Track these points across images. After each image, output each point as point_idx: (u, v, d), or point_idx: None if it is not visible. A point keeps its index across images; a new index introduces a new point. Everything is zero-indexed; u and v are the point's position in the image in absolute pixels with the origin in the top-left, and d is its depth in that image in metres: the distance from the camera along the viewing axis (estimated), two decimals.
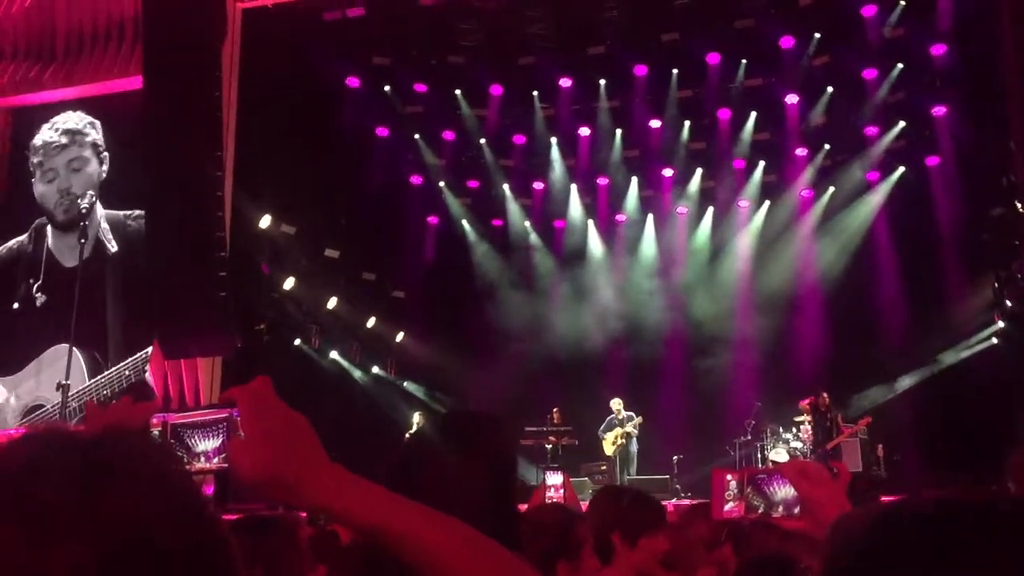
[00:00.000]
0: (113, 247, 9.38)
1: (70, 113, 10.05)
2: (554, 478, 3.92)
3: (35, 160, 9.83)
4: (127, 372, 9.02)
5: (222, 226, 11.67)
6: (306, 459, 1.12)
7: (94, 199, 9.21)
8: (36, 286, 9.01)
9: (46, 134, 9.95)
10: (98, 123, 9.98)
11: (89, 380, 8.86)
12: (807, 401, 12.79)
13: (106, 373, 9.18)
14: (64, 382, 7.96)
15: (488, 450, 1.83)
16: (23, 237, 9.41)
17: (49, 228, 9.42)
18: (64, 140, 9.98)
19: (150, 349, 9.43)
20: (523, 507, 4.82)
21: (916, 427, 13.17)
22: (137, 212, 9.54)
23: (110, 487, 0.86)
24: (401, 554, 1.08)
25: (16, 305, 8.91)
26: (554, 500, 3.95)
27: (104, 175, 9.73)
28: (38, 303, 8.96)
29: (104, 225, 9.40)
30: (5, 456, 0.89)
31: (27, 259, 9.09)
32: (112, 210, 9.38)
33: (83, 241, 8.23)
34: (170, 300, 11.53)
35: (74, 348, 8.19)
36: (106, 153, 10.02)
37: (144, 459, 0.92)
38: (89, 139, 9.97)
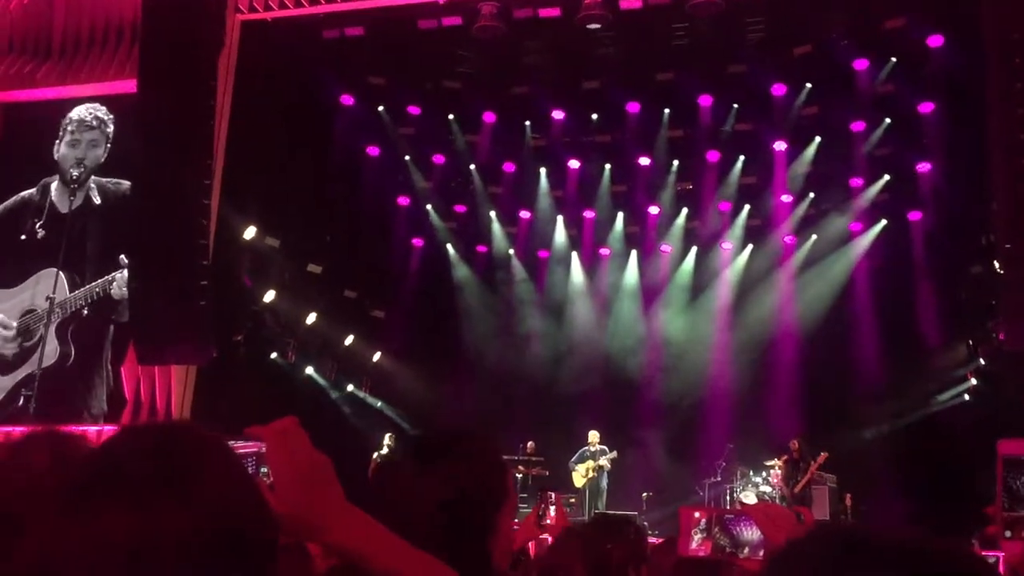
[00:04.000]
0: (98, 200, 12.29)
1: (99, 105, 12.75)
2: (547, 501, 3.93)
3: (68, 127, 12.65)
4: (97, 289, 11.89)
5: (206, 234, 11.64)
6: (328, 500, 1.18)
7: (93, 171, 12.46)
8: (38, 224, 12.24)
9: (84, 111, 12.70)
10: (112, 117, 12.72)
11: (69, 294, 11.87)
12: (783, 459, 12.88)
13: (81, 289, 11.95)
14: (51, 295, 11.35)
15: (474, 467, 1.79)
16: (33, 189, 12.55)
17: (54, 184, 12.46)
18: (93, 122, 12.70)
19: (115, 273, 11.84)
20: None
21: (885, 478, 13.24)
22: (119, 180, 12.26)
23: (201, 475, 0.95)
24: None
25: (23, 237, 12.27)
26: (545, 525, 3.91)
27: (103, 159, 12.54)
28: (38, 236, 12.20)
29: (93, 186, 12.35)
30: (108, 444, 0.99)
31: (34, 205, 12.38)
32: (100, 177, 12.38)
33: (75, 190, 11.75)
34: (149, 306, 11.46)
35: (60, 271, 11.59)
36: (111, 143, 12.60)
37: (226, 453, 1.01)
38: (108, 129, 12.66)
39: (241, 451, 1.15)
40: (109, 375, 11.90)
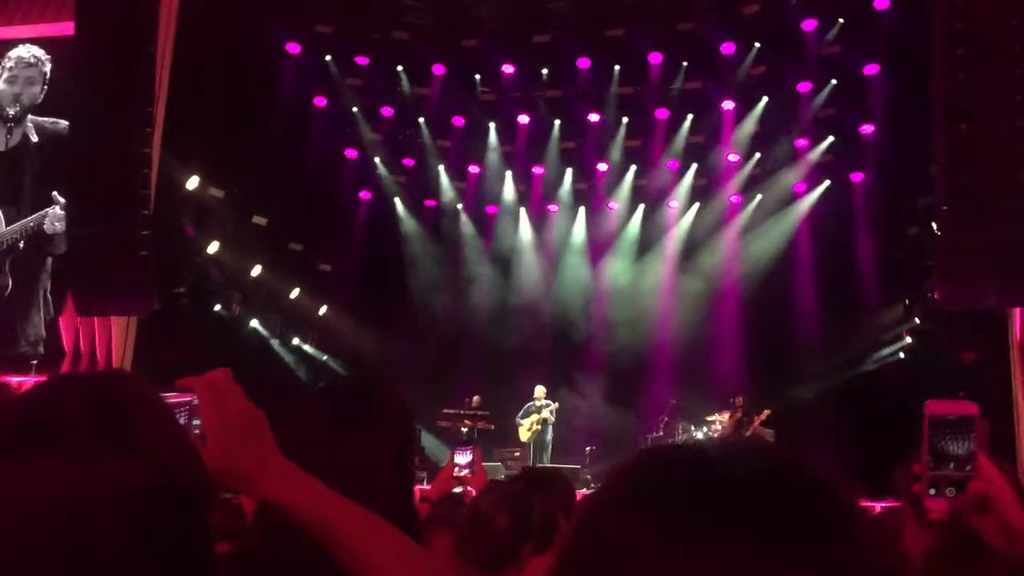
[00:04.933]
0: (35, 139, 12.46)
1: (37, 47, 12.81)
2: (462, 456, 3.92)
3: (7, 65, 12.72)
4: (31, 224, 12.17)
5: (147, 184, 11.37)
6: (260, 452, 1.18)
7: (29, 109, 12.65)
8: None
9: (23, 50, 12.77)
10: (49, 59, 12.76)
11: (4, 229, 12.18)
12: (730, 415, 13.16)
13: (16, 224, 12.22)
14: None
15: (390, 420, 1.81)
16: None
17: None
18: (32, 60, 12.77)
19: (48, 209, 12.03)
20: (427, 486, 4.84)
21: (821, 434, 13.59)
22: (57, 120, 12.35)
23: (139, 425, 0.96)
24: (338, 551, 1.15)
25: None
26: (461, 478, 3.91)
27: (40, 98, 12.68)
28: None
29: (30, 124, 12.53)
30: (39, 392, 0.99)
31: None
32: (38, 116, 12.56)
33: (11, 128, 12.15)
34: (88, 256, 11.21)
35: None
36: (47, 85, 12.70)
37: (160, 403, 1.03)
38: (45, 69, 12.74)
39: (173, 402, 1.15)
40: (50, 304, 12.10)
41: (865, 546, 0.63)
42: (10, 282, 12.26)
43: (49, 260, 12.21)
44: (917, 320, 13.58)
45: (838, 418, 13.58)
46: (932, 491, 1.49)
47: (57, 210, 11.95)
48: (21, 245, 12.29)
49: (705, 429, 13.56)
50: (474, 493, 3.60)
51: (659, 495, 0.65)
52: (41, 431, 0.93)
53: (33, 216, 12.16)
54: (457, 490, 3.91)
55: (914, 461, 1.56)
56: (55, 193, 12.02)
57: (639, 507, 0.65)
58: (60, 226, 11.89)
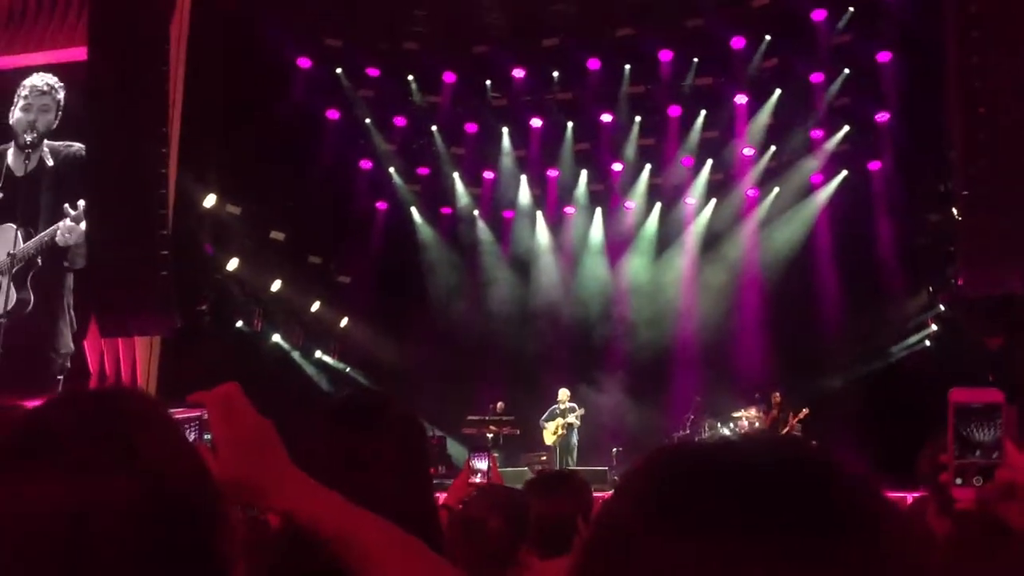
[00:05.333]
0: (50, 162, 12.80)
1: (50, 74, 13.14)
2: (479, 462, 3.91)
3: (22, 93, 13.08)
4: (45, 238, 12.50)
5: (165, 203, 11.46)
6: (272, 465, 1.17)
7: (45, 135, 13.00)
8: None
9: (36, 79, 13.12)
10: (63, 86, 13.08)
11: (21, 246, 12.57)
12: (758, 407, 13.09)
13: (34, 239, 12.59)
14: (11, 252, 12.28)
15: (395, 430, 1.81)
16: None
17: (10, 150, 12.96)
18: (45, 88, 13.09)
19: (60, 222, 12.38)
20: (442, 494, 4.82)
21: (848, 423, 13.49)
22: (70, 143, 12.72)
23: (142, 440, 0.95)
24: (354, 561, 1.14)
25: None
26: (477, 484, 3.89)
27: (55, 124, 12.99)
28: None
29: (46, 149, 12.86)
30: (44, 409, 0.99)
31: None
32: (53, 141, 12.89)
33: (29, 154, 12.64)
34: (110, 277, 11.32)
35: (16, 227, 12.47)
36: (62, 111, 13.03)
37: (166, 419, 1.02)
38: (59, 96, 13.04)
39: (183, 418, 1.15)
40: (72, 319, 12.34)
41: (881, 541, 0.61)
42: (32, 297, 12.52)
43: (70, 276, 12.45)
44: (941, 307, 13.44)
45: (865, 408, 13.46)
46: (959, 480, 1.46)
47: (68, 221, 12.28)
48: (39, 261, 12.58)
49: (732, 425, 13.48)
50: None
51: (672, 494, 0.64)
52: (42, 446, 0.93)
53: (47, 231, 12.50)
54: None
55: (936, 448, 1.53)
56: (66, 205, 12.32)
57: (652, 506, 0.64)
58: (72, 237, 12.22)
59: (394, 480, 1.71)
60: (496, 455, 13.45)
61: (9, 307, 12.35)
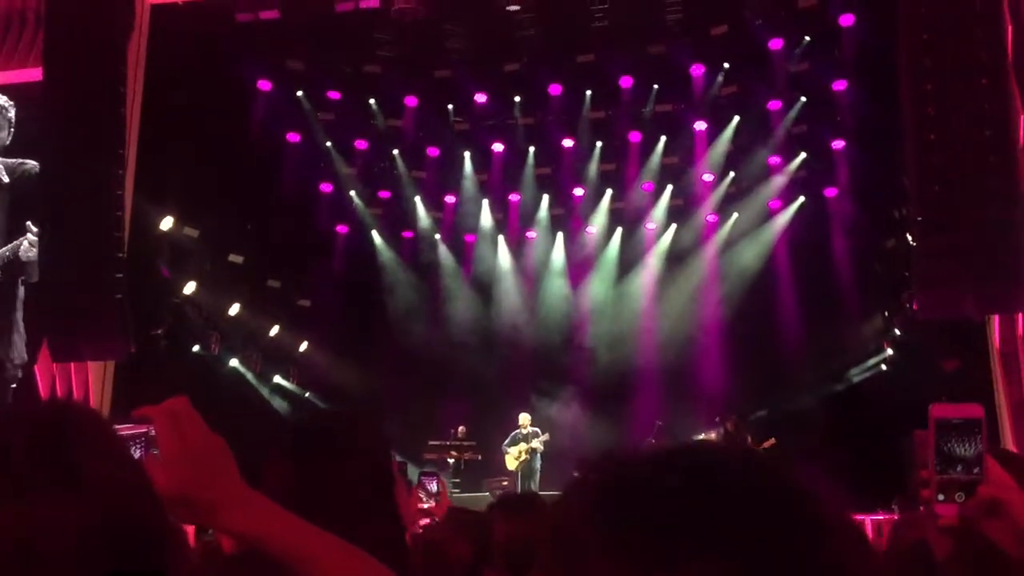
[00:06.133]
0: (5, 179, 12.80)
1: (1, 95, 13.08)
2: (429, 485, 3.87)
3: None
4: (7, 253, 12.46)
5: (120, 226, 11.28)
6: (222, 481, 1.13)
7: None
8: None
9: None
10: (14, 104, 13.03)
11: None
12: (717, 432, 13.10)
13: None
14: None
15: (355, 450, 1.78)
16: None
17: None
18: None
19: (22, 238, 12.37)
20: None
21: (808, 449, 13.58)
22: (24, 160, 12.74)
23: (85, 460, 0.91)
24: None
25: None
26: (425, 509, 3.84)
27: (8, 141, 12.91)
28: None
29: (0, 167, 12.81)
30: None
31: None
32: (6, 158, 12.85)
33: None
34: (63, 300, 11.08)
35: None
36: (13, 128, 12.93)
37: (109, 435, 0.98)
38: (10, 114, 12.93)
39: (129, 434, 1.10)
40: (22, 329, 12.30)
41: (822, 550, 0.61)
42: None
43: (22, 289, 12.37)
44: (897, 331, 13.63)
45: (823, 431, 13.57)
46: (941, 496, 1.45)
47: (31, 236, 12.31)
48: None
49: None
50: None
51: (600, 512, 0.64)
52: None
53: (9, 246, 12.46)
54: (423, 521, 3.81)
55: (921, 467, 1.51)
56: (28, 223, 12.30)
57: (588, 523, 0.63)
58: (35, 252, 12.22)
59: (358, 505, 1.67)
60: (447, 480, 13.39)
61: None
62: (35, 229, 12.24)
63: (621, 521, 0.61)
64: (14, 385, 12.05)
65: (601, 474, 0.67)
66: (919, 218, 9.58)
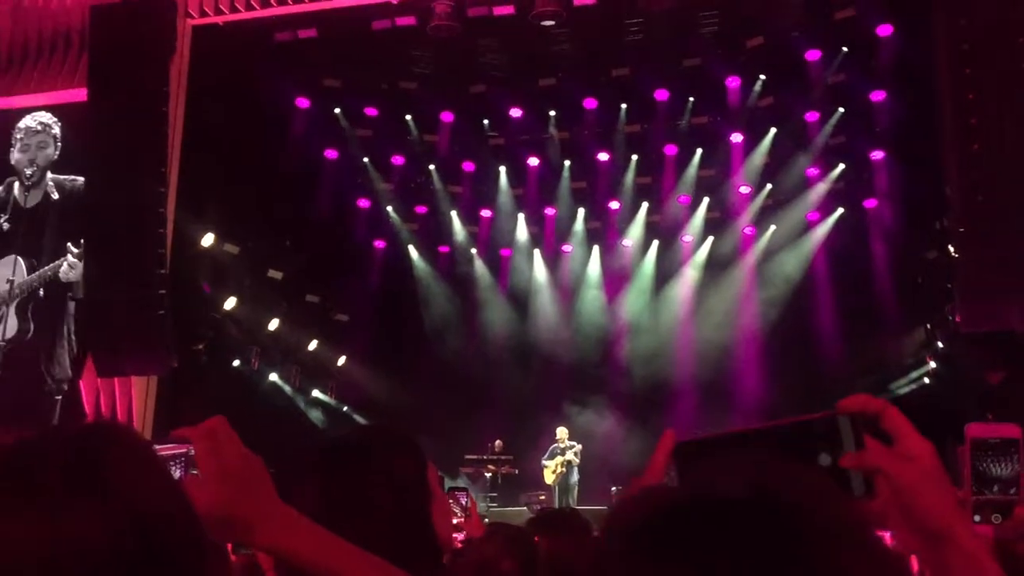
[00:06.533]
0: (55, 196, 13.19)
1: (44, 112, 13.56)
2: (462, 499, 3.90)
3: (18, 136, 13.54)
4: (48, 272, 12.80)
5: (163, 243, 11.49)
6: (260, 500, 1.14)
7: (47, 169, 13.40)
8: (3, 219, 13.30)
9: (29, 120, 13.56)
10: (58, 121, 13.50)
11: (26, 278, 12.93)
12: None
13: (37, 272, 12.89)
14: (10, 278, 12.69)
15: (387, 466, 1.76)
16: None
17: (16, 184, 13.40)
18: (38, 127, 13.47)
19: (62, 259, 12.67)
20: None
21: None
22: (75, 177, 13.08)
23: (117, 478, 0.93)
24: None
25: None
26: (456, 524, 3.83)
27: (56, 156, 13.38)
28: (4, 229, 13.23)
29: (51, 183, 13.26)
30: (18, 447, 0.96)
31: (0, 201, 13.46)
32: (57, 175, 13.29)
33: (30, 188, 13.16)
34: (107, 317, 11.30)
35: (20, 257, 12.89)
36: (60, 144, 13.40)
37: (145, 454, 0.99)
38: (54, 131, 13.44)
39: (169, 454, 1.12)
40: (72, 344, 12.56)
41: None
42: (32, 327, 12.80)
43: (71, 304, 12.70)
44: (940, 344, 13.41)
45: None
46: (977, 517, 1.43)
47: (71, 258, 12.62)
48: (41, 293, 12.87)
49: None
50: (463, 540, 3.53)
51: (660, 538, 0.63)
52: (18, 485, 0.90)
53: (50, 266, 12.79)
54: (458, 536, 3.81)
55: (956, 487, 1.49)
56: (69, 244, 12.63)
57: (644, 551, 0.64)
58: (74, 274, 12.53)
59: (390, 524, 1.66)
60: (483, 495, 13.37)
61: (9, 335, 12.67)
62: (75, 250, 12.53)
63: (664, 558, 0.62)
64: (59, 397, 12.31)
65: (644, 508, 0.67)
66: (961, 229, 9.46)
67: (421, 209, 17.37)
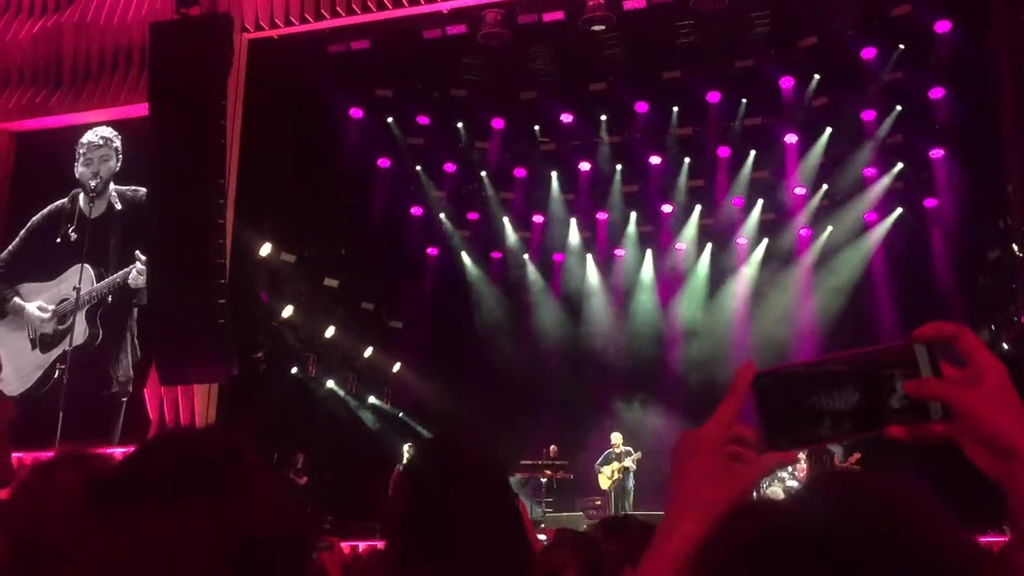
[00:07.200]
0: (119, 206, 13.77)
1: (104, 127, 14.16)
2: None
3: (80, 151, 14.12)
4: (118, 280, 13.40)
5: (223, 253, 11.73)
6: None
7: (110, 180, 14.00)
8: (71, 228, 13.89)
9: (91, 135, 14.14)
10: (118, 135, 14.11)
11: (95, 285, 13.45)
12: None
13: (105, 280, 13.47)
14: (77, 286, 12.92)
15: (483, 479, 1.75)
16: (65, 199, 14.13)
17: (81, 195, 13.97)
18: (100, 142, 14.07)
19: (132, 266, 13.23)
20: None
21: (909, 470, 13.14)
22: (137, 188, 13.65)
23: (232, 481, 1.01)
24: None
25: (58, 240, 13.93)
26: None
27: (118, 167, 13.99)
28: (71, 239, 13.79)
29: (114, 193, 13.83)
30: (143, 451, 1.06)
31: (67, 212, 14.07)
32: (120, 185, 13.86)
33: (95, 199, 13.78)
34: (168, 326, 11.57)
35: (87, 265, 13.25)
36: (121, 156, 14.02)
37: (255, 460, 1.07)
38: (115, 144, 14.05)
39: None
40: (135, 348, 13.11)
41: None
42: (101, 332, 13.32)
43: (135, 310, 13.18)
44: (1005, 345, 13.09)
45: (924, 452, 13.08)
46: None
47: (139, 265, 13.13)
48: (110, 299, 13.39)
49: (790, 469, 13.18)
50: None
51: (749, 562, 0.64)
52: (137, 488, 0.98)
53: (119, 273, 13.34)
54: None
55: None
56: (137, 252, 13.13)
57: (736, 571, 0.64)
58: (143, 280, 13.01)
59: (484, 526, 1.65)
60: (531, 500, 13.34)
61: (79, 341, 13.18)
62: (143, 257, 12.95)
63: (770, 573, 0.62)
64: (124, 399, 12.80)
65: (750, 522, 0.67)
66: None
67: (473, 216, 17.46)
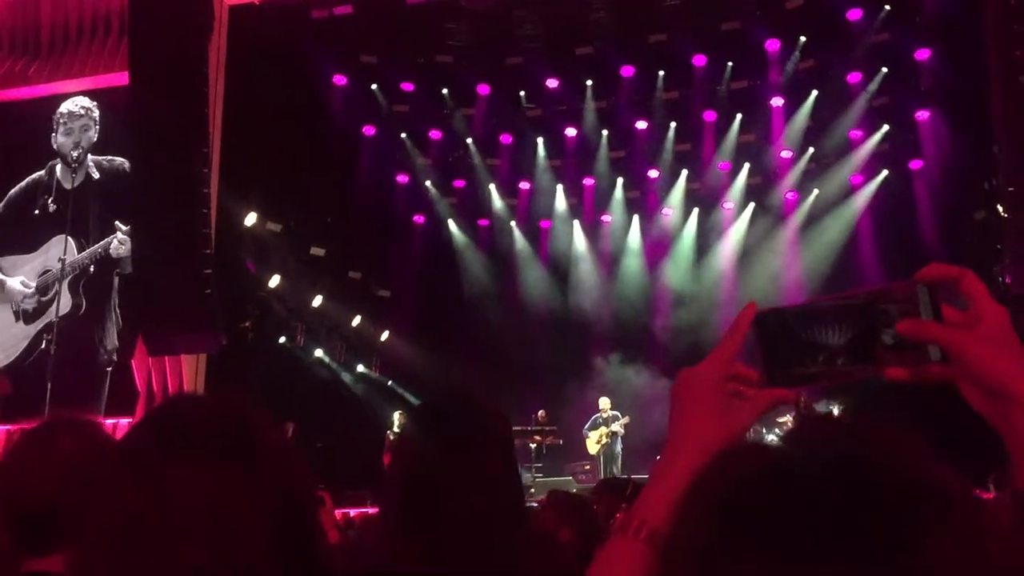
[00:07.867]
0: (96, 175, 13.70)
1: (83, 96, 14.00)
2: None
3: (60, 120, 14.00)
4: (99, 250, 13.31)
5: (208, 223, 11.64)
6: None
7: (89, 150, 13.89)
8: (49, 200, 13.81)
9: (70, 104, 14.04)
10: (96, 104, 13.99)
11: (77, 255, 13.36)
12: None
13: (87, 250, 13.37)
14: (62, 257, 12.59)
15: (495, 428, 1.72)
16: (42, 171, 14.03)
17: (58, 166, 13.88)
18: (80, 111, 13.94)
19: (112, 236, 13.11)
20: None
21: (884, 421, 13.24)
22: (113, 157, 13.63)
23: (260, 441, 1.07)
24: None
25: (36, 211, 13.84)
26: None
27: (96, 138, 13.88)
28: (50, 210, 13.73)
29: (91, 163, 13.74)
30: (167, 411, 1.12)
31: (44, 184, 13.98)
32: (97, 155, 13.78)
33: (75, 169, 13.43)
34: (155, 297, 11.51)
35: (69, 236, 13.11)
36: (99, 126, 13.90)
37: (272, 423, 1.12)
38: (94, 114, 13.93)
39: None
40: (118, 317, 13.13)
41: (947, 551, 0.60)
42: (84, 302, 13.31)
43: (117, 279, 13.17)
44: None
45: (909, 412, 13.22)
46: None
47: (120, 235, 13.09)
48: (92, 269, 13.34)
49: (776, 431, 13.30)
50: None
51: (742, 513, 0.63)
52: (176, 440, 1.02)
53: (100, 243, 13.27)
54: None
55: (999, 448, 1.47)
56: (117, 222, 13.08)
57: (724, 524, 0.63)
58: (124, 249, 12.98)
59: (492, 482, 1.63)
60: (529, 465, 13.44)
61: (64, 311, 13.09)
62: (124, 228, 12.91)
63: (761, 513, 0.61)
64: (110, 369, 12.81)
65: (740, 464, 0.67)
66: (1011, 188, 9.27)
67: (459, 183, 17.38)
